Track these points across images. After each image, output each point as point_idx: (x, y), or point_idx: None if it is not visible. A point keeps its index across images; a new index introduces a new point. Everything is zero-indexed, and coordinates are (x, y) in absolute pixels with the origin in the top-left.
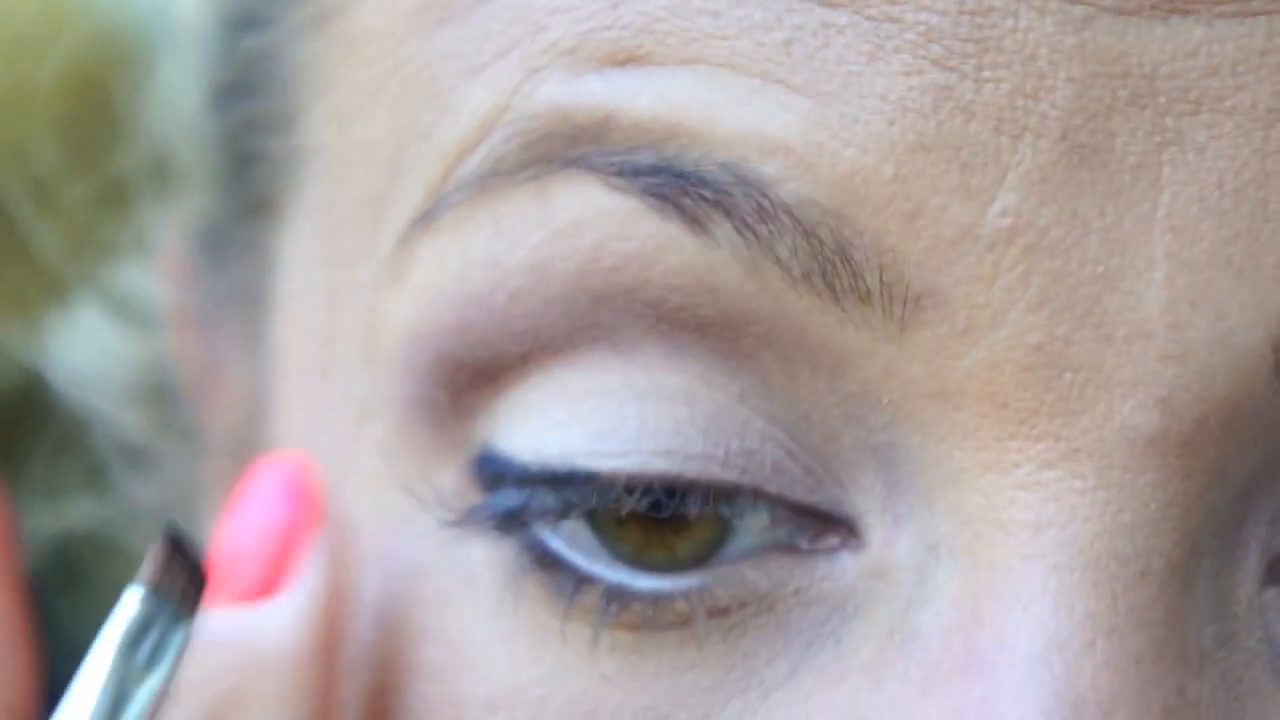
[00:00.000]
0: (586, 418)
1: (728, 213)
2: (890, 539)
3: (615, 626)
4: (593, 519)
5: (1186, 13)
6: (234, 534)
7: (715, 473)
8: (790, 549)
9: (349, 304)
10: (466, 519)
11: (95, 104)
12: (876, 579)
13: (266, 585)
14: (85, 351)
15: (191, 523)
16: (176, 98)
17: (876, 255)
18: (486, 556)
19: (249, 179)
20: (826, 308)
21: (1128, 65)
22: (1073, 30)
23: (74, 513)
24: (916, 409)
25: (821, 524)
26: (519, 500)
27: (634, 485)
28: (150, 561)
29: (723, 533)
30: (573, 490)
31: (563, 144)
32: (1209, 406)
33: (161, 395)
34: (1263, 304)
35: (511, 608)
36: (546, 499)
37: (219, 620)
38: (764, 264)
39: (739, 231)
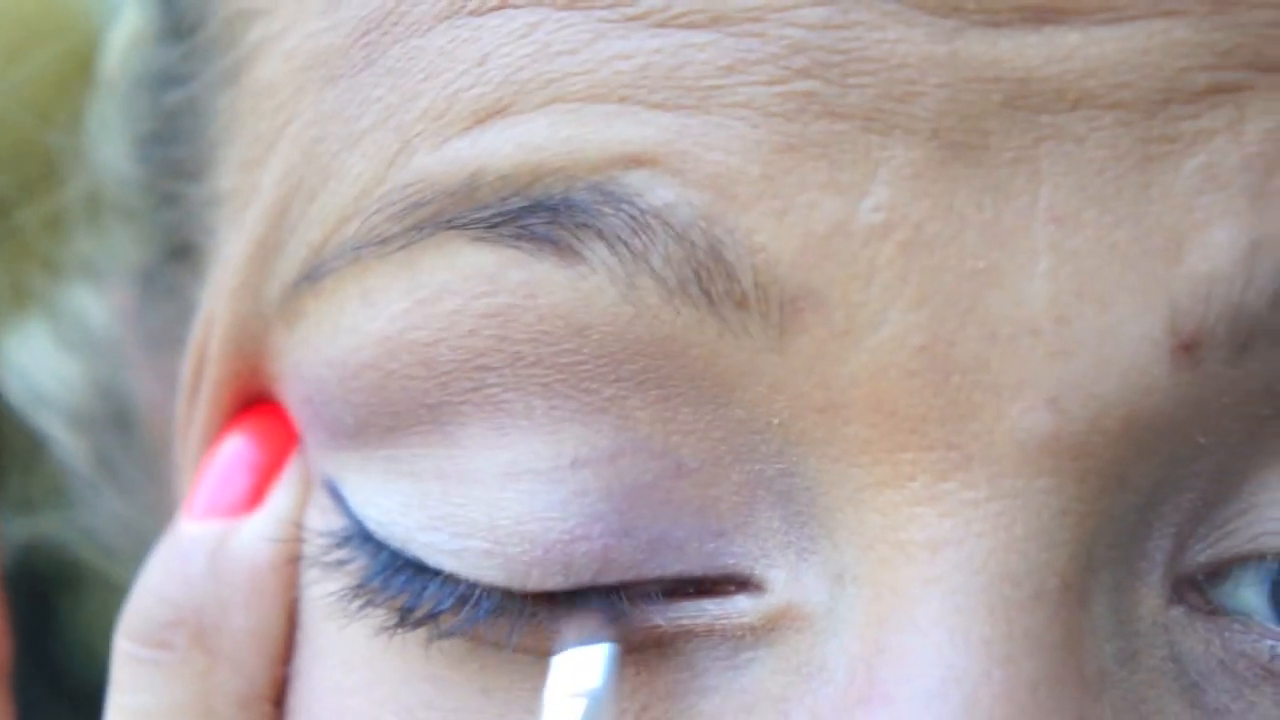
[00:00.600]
0: (423, 499)
1: (599, 232)
2: (795, 575)
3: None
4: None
5: (1060, 22)
6: (216, 455)
7: (537, 578)
8: (677, 594)
9: (227, 333)
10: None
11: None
12: (781, 617)
13: (243, 502)
14: (36, 370)
15: (149, 547)
16: (105, 139)
17: (749, 254)
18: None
19: (168, 223)
20: (704, 319)
21: (1000, 70)
22: (943, 40)
23: (41, 525)
24: (807, 427)
25: (708, 583)
26: (375, 567)
27: (470, 593)
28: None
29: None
30: (421, 577)
31: (434, 210)
32: (1102, 404)
33: (108, 423)
34: (1151, 289)
35: (363, 613)
36: (399, 577)
37: (197, 530)
38: (640, 280)
39: (612, 249)
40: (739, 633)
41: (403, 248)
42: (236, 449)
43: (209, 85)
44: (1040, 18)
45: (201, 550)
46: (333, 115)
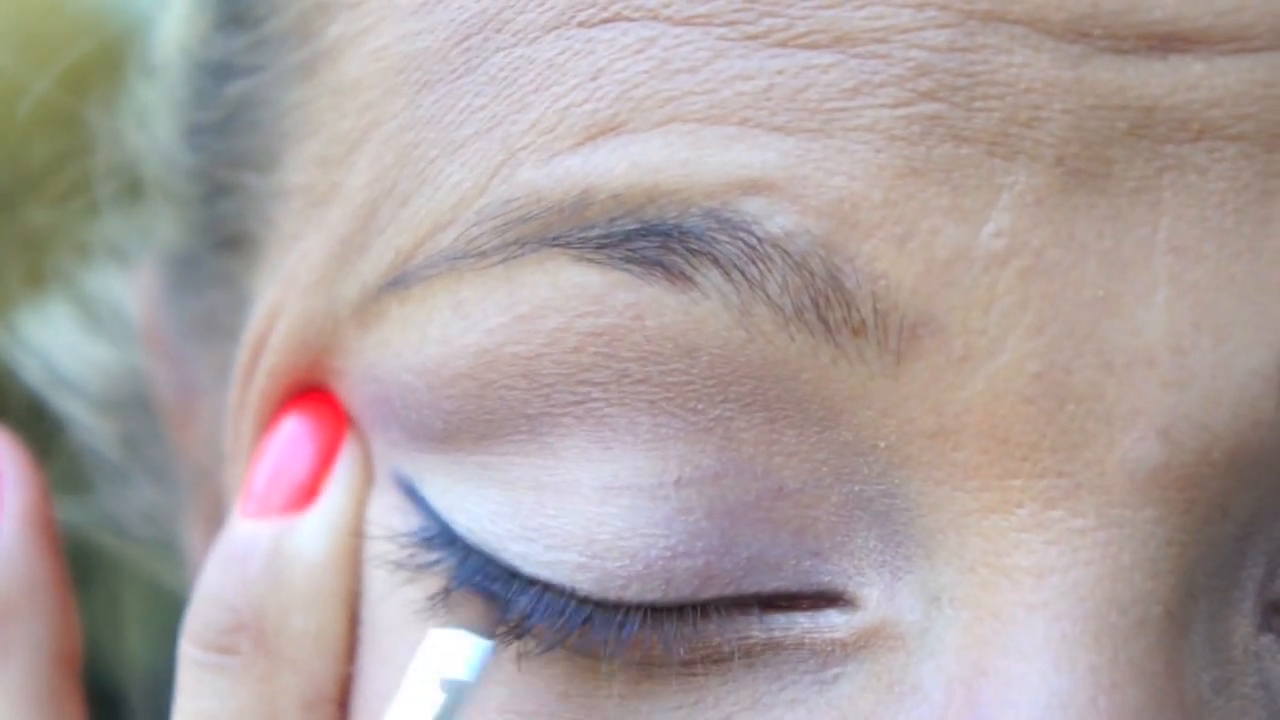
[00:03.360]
0: (516, 508)
1: (714, 259)
2: (889, 594)
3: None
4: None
5: (1185, 51)
6: (269, 449)
7: (635, 591)
8: (769, 607)
9: (295, 327)
10: (419, 553)
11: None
12: (874, 635)
13: (298, 500)
14: (60, 352)
15: (171, 534)
16: (151, 125)
17: (869, 282)
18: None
19: (223, 212)
20: (819, 346)
21: (1126, 98)
22: (1069, 66)
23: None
24: (914, 451)
25: (802, 599)
26: (464, 568)
27: (558, 602)
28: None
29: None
30: (514, 583)
31: (538, 226)
32: (1212, 436)
33: (135, 411)
34: (1267, 324)
35: (451, 614)
36: (489, 579)
37: (253, 531)
38: (754, 307)
39: (727, 277)
40: (829, 648)
41: (502, 262)
42: (295, 430)
43: (279, 78)
44: (1166, 46)
45: (259, 551)
46: (429, 121)
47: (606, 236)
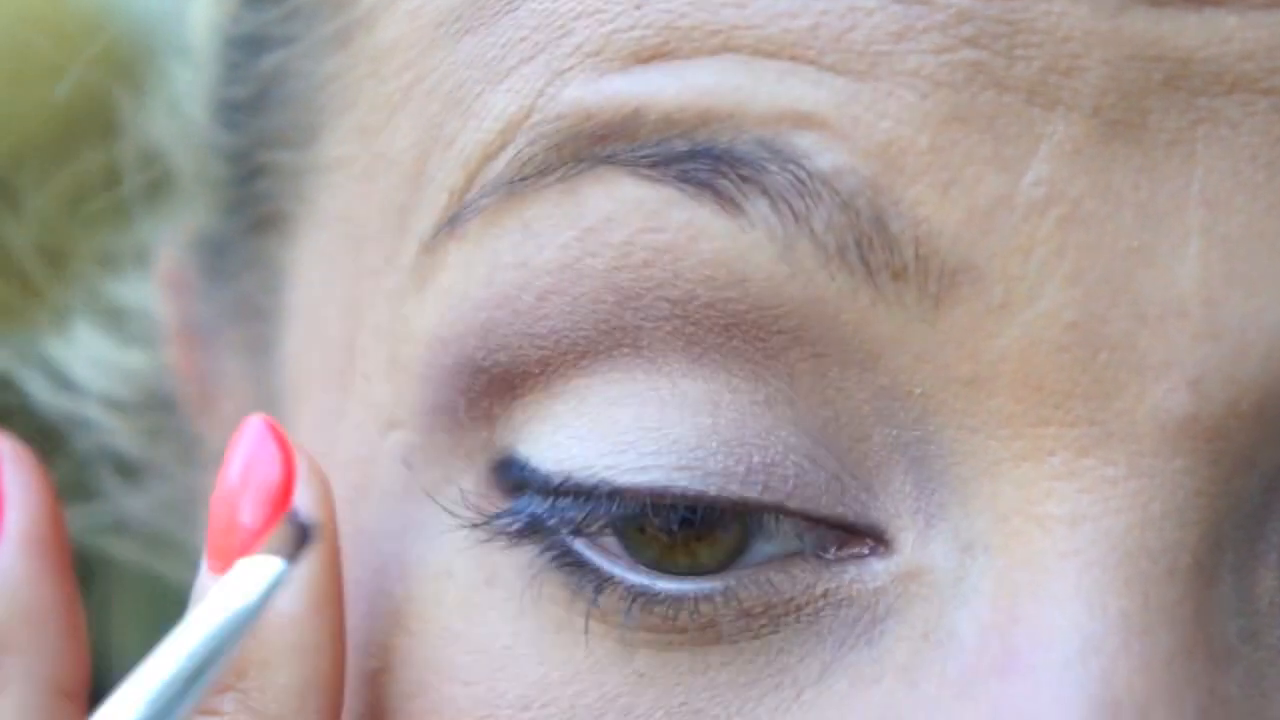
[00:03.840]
0: (608, 428)
1: (763, 189)
2: (923, 540)
3: (639, 628)
4: (616, 526)
5: (1220, 4)
6: (222, 499)
7: (735, 490)
8: (813, 557)
9: (371, 314)
10: (489, 523)
11: (88, 113)
12: (909, 580)
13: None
14: (79, 362)
15: (187, 533)
16: (180, 111)
17: (912, 226)
18: (507, 559)
19: (258, 192)
20: (859, 287)
21: (1162, 50)
22: (1107, 17)
23: None
24: (949, 397)
25: (847, 535)
26: (541, 509)
27: (656, 503)
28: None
29: (746, 539)
30: (594, 503)
31: (590, 142)
32: (1241, 388)
33: (157, 407)
34: None
35: (535, 608)
36: (568, 509)
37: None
38: (798, 242)
39: (774, 208)
40: (873, 598)
41: (562, 179)
42: (260, 430)
43: (312, 49)
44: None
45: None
46: (471, 61)
47: (658, 155)
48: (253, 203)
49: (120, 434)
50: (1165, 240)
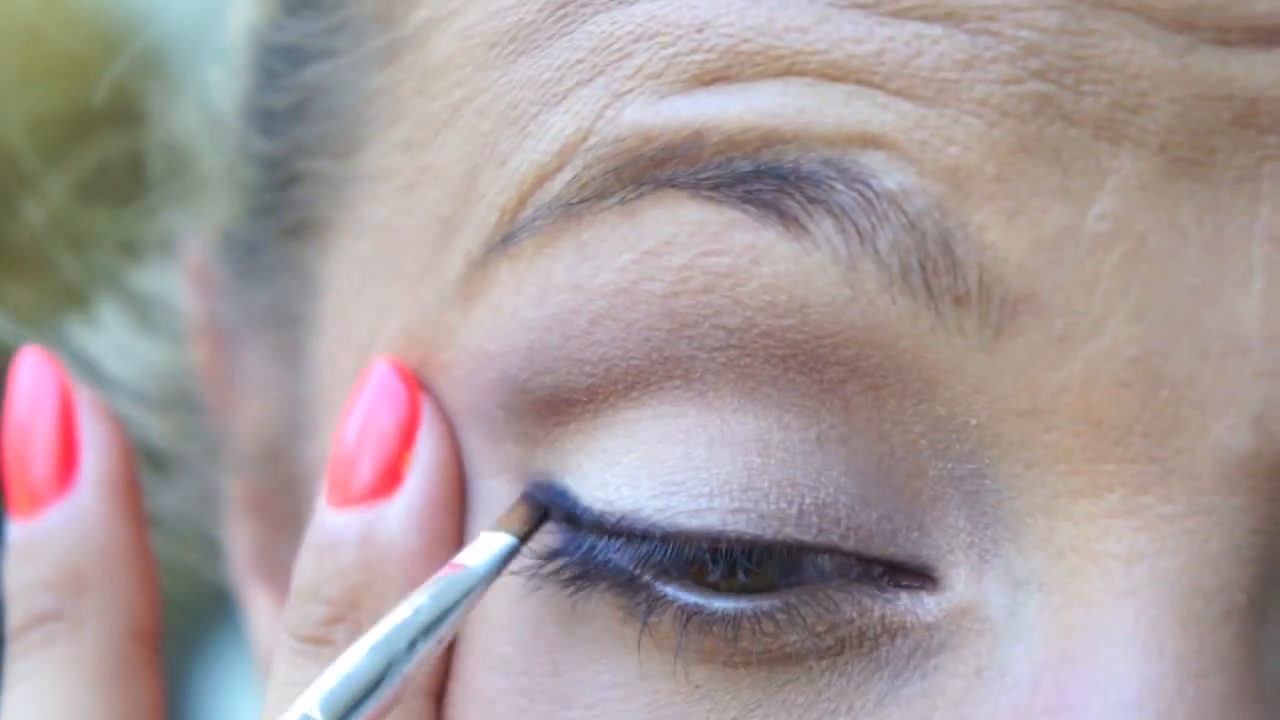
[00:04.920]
0: (656, 467)
1: (829, 208)
2: (976, 576)
3: (696, 648)
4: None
5: None
6: (347, 435)
7: (789, 533)
8: (865, 580)
9: (405, 317)
10: (543, 567)
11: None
12: (961, 616)
13: (382, 485)
14: (107, 353)
15: (211, 530)
16: (210, 111)
17: (978, 252)
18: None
19: (293, 199)
20: (920, 313)
21: (1230, 89)
22: (1175, 55)
23: None
24: (1005, 429)
25: (896, 573)
26: (595, 548)
27: (712, 548)
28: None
29: (796, 560)
30: (648, 545)
31: (650, 165)
32: None
33: (184, 403)
34: None
35: (584, 616)
36: (620, 549)
37: (341, 521)
38: (862, 262)
39: (839, 227)
40: (926, 633)
41: (621, 202)
42: (386, 377)
43: (358, 63)
44: (1270, 39)
45: (349, 542)
46: (526, 82)
47: (721, 176)
48: (287, 208)
49: (149, 427)
50: (1229, 277)
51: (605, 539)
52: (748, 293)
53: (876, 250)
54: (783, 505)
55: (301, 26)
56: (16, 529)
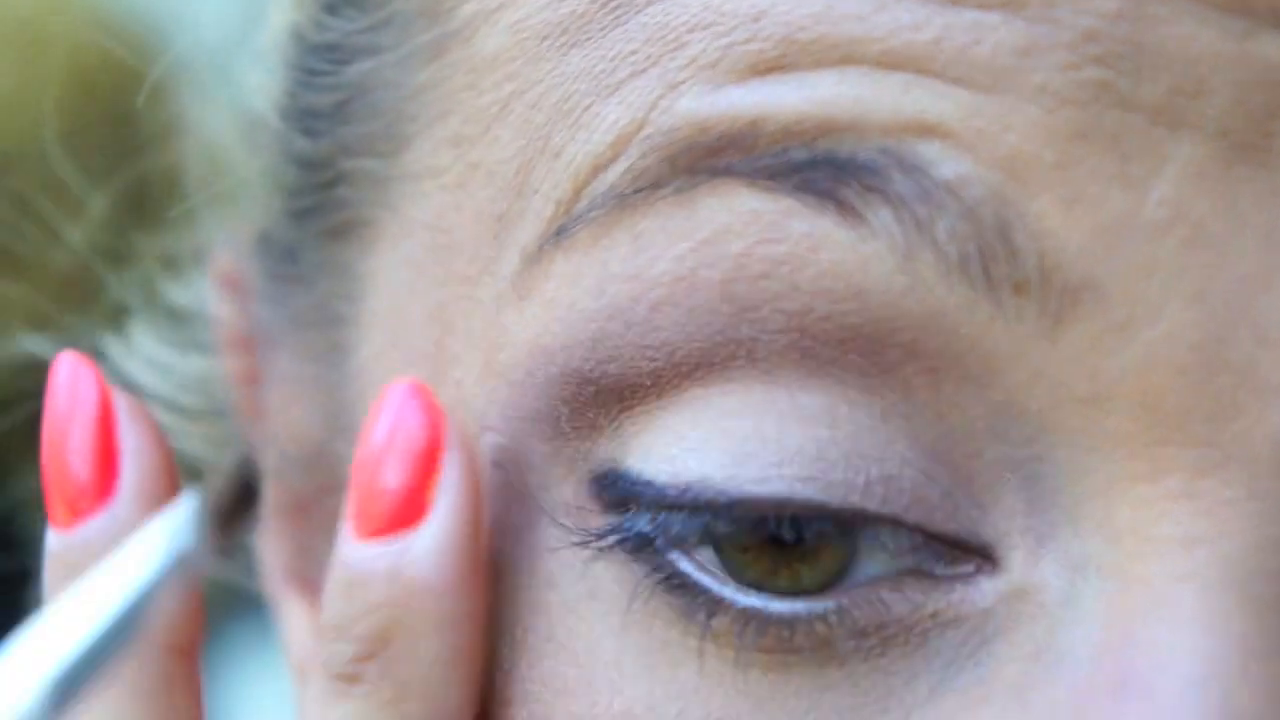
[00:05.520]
0: (725, 440)
1: (887, 197)
2: (1033, 559)
3: (754, 649)
4: (719, 544)
5: None
6: (369, 461)
7: (855, 501)
8: (922, 574)
9: (463, 320)
10: (595, 540)
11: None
12: (1018, 600)
13: (408, 514)
14: (137, 363)
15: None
16: (246, 114)
17: (1037, 240)
18: (613, 575)
19: (336, 199)
20: (979, 301)
21: None
22: (1234, 40)
23: None
24: (1065, 416)
25: (957, 551)
26: (653, 524)
27: (778, 514)
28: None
29: (849, 559)
30: (711, 516)
31: (706, 155)
32: None
33: (216, 413)
34: None
35: (642, 625)
36: (682, 523)
37: (367, 554)
38: (920, 252)
39: (897, 216)
40: (981, 620)
41: (676, 191)
42: (406, 393)
43: (403, 60)
44: None
45: (377, 577)
46: (579, 74)
47: (777, 165)
48: (331, 209)
49: (182, 436)
50: None
51: (665, 512)
52: (806, 279)
53: (934, 239)
54: (850, 475)
55: (344, 25)
56: (55, 539)
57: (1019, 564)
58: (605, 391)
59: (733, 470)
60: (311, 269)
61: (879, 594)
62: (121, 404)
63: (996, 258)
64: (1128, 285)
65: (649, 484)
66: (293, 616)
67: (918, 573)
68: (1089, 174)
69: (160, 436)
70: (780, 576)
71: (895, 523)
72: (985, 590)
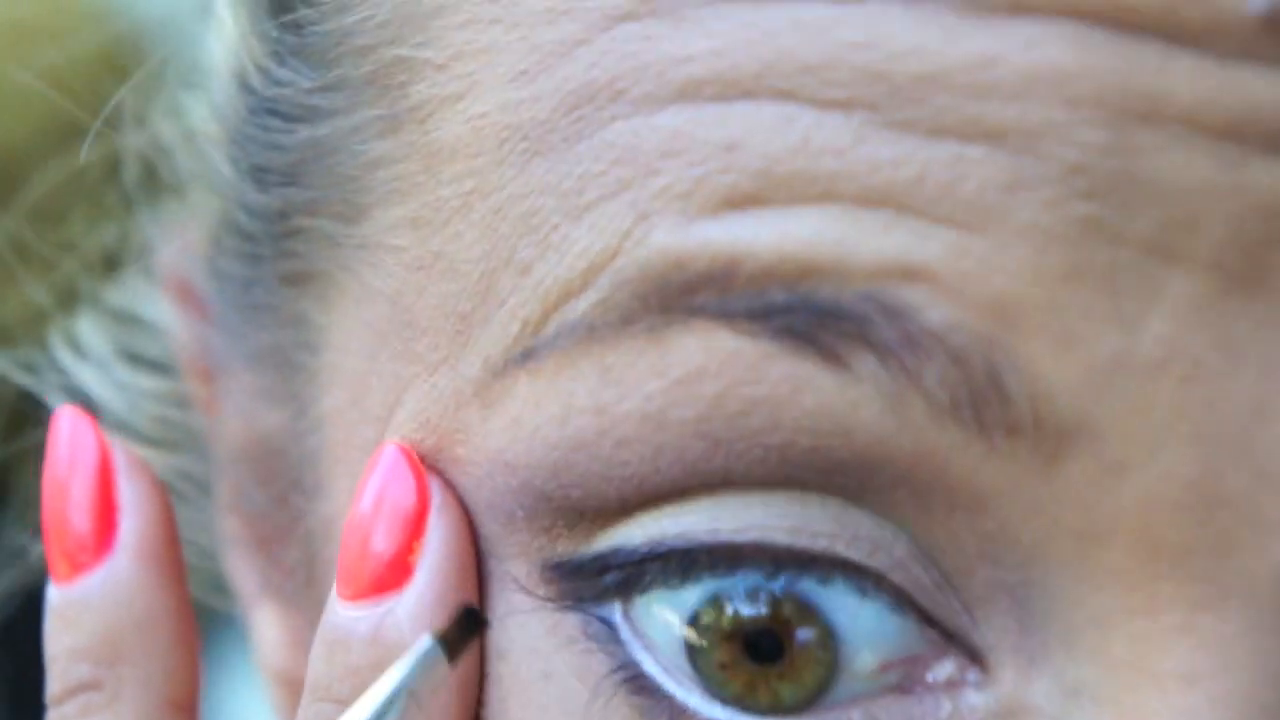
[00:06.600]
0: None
1: (870, 344)
2: (1024, 679)
3: None
4: (694, 656)
5: None
6: (357, 525)
7: (840, 551)
8: (905, 691)
9: (424, 408)
10: (552, 601)
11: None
12: (1010, 717)
13: (392, 578)
14: (92, 379)
15: (214, 563)
16: (204, 150)
17: (1029, 384)
18: (569, 661)
19: (291, 250)
20: (971, 442)
21: None
22: (1227, 169)
23: None
24: (1059, 548)
25: (945, 644)
26: (626, 575)
27: (754, 557)
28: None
29: (830, 675)
30: (686, 563)
31: (680, 292)
32: None
33: (183, 433)
34: None
35: (601, 717)
36: (654, 572)
37: (350, 616)
38: (908, 396)
39: (883, 363)
40: None
41: (649, 329)
42: (395, 460)
43: (357, 128)
44: None
45: (359, 638)
46: (546, 188)
47: (757, 308)
48: (285, 258)
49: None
50: None
51: (641, 564)
52: (789, 418)
53: (923, 386)
54: (837, 528)
55: (294, 81)
56: (56, 593)
57: (1010, 680)
58: (566, 509)
59: (712, 524)
60: (267, 310)
61: (863, 711)
62: (120, 458)
63: (988, 402)
64: (1124, 425)
65: (618, 550)
66: (263, 625)
67: (901, 689)
68: (1081, 314)
69: (159, 489)
70: (759, 695)
71: (879, 577)
72: (975, 704)
